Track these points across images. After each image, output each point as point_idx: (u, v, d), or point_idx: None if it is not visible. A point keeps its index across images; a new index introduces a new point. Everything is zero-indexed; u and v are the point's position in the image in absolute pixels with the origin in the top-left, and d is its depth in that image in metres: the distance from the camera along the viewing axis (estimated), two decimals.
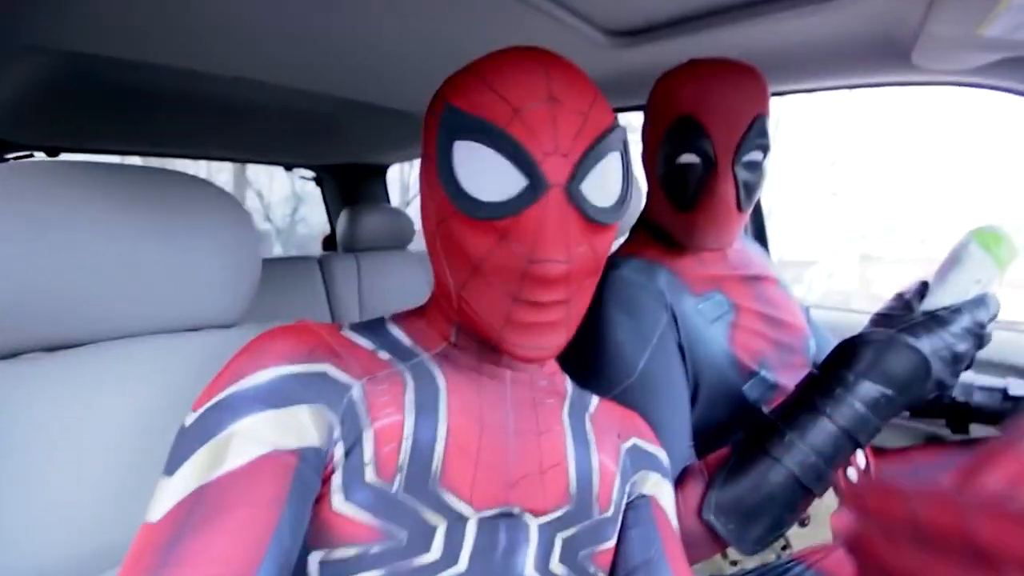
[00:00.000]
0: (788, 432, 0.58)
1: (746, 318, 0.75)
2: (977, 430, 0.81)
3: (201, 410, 0.38)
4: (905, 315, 0.61)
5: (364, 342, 0.47)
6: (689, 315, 0.72)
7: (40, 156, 1.39)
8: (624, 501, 0.53)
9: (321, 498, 0.39)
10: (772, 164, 0.73)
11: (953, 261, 0.60)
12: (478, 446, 0.45)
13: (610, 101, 1.46)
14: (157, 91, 1.29)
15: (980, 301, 0.59)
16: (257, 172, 6.06)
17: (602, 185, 0.42)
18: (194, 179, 0.57)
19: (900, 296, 0.65)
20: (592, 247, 0.42)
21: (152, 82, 1.24)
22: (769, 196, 0.82)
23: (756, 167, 0.70)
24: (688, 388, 0.72)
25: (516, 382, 0.50)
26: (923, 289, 0.63)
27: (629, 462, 0.55)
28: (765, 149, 0.70)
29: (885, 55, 0.89)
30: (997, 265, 0.59)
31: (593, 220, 0.41)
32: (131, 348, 0.52)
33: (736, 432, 0.67)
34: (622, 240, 0.89)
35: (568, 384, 0.57)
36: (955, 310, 0.59)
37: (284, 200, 6.86)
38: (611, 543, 0.50)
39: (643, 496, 0.54)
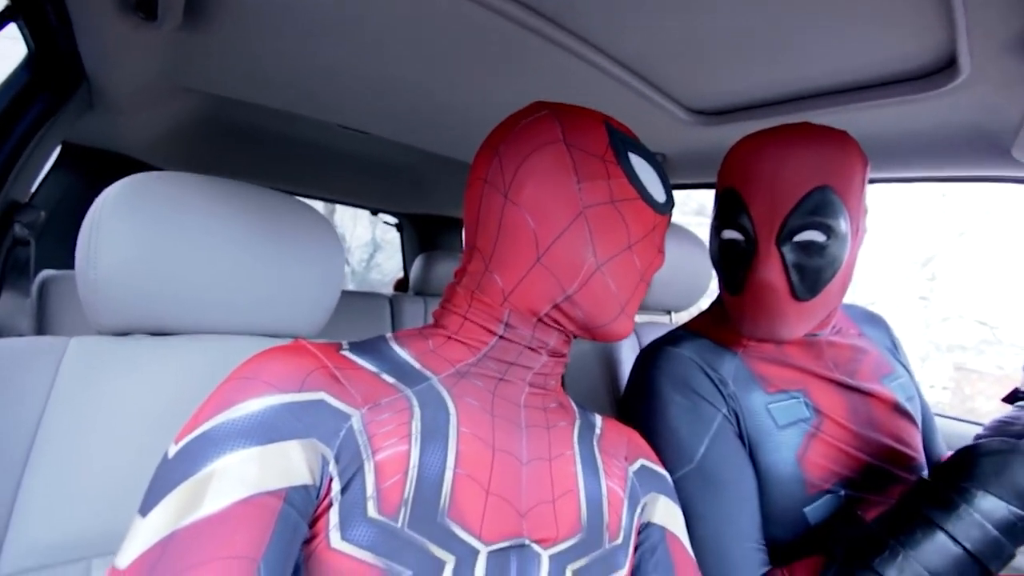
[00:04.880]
0: (899, 548, 0.48)
1: (831, 430, 0.63)
2: None
3: (183, 442, 0.36)
4: None
5: (367, 364, 0.45)
6: (756, 413, 0.64)
7: None
8: (634, 525, 0.51)
9: (316, 536, 0.37)
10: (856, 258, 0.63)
11: None
12: (489, 474, 0.43)
13: (689, 176, 1.50)
14: (276, 133, 1.47)
15: None
16: (343, 216, 6.51)
17: None
18: (297, 202, 0.63)
19: (1018, 394, 0.55)
20: None
21: (274, 125, 1.42)
22: (849, 295, 0.72)
23: (813, 249, 0.59)
24: (755, 483, 0.63)
25: (529, 405, 0.50)
26: None
27: (638, 484, 0.54)
28: (827, 229, 0.59)
29: (984, 148, 0.86)
30: None
31: None
32: (220, 343, 0.57)
33: (795, 553, 0.60)
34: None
35: (575, 406, 0.57)
36: None
37: (363, 246, 7.29)
38: (622, 572, 0.48)
39: (655, 526, 0.53)
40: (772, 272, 0.60)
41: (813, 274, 0.60)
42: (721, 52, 0.79)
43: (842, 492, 0.62)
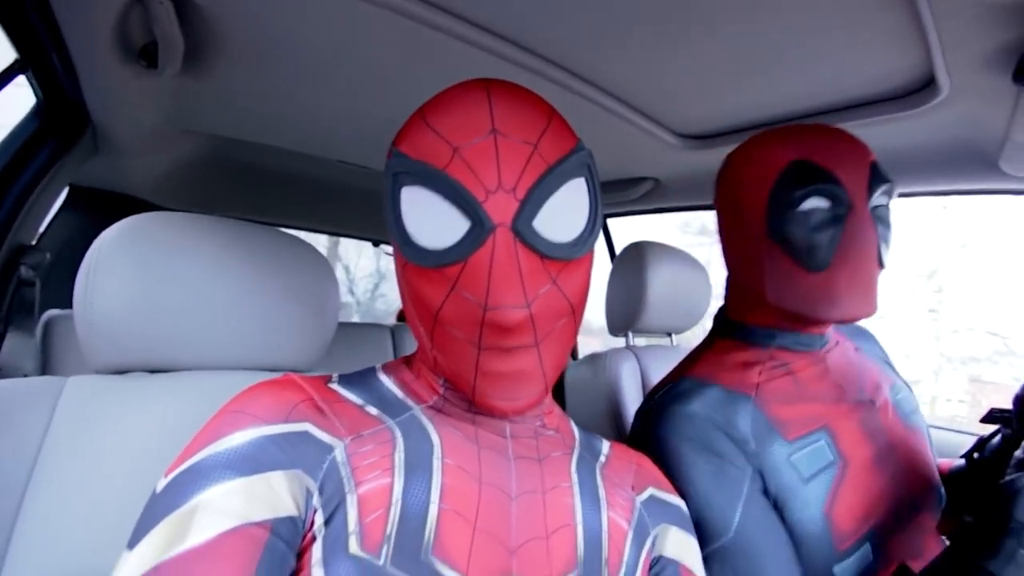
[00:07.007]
0: None
1: (856, 471, 0.60)
2: None
3: (171, 476, 0.36)
4: None
5: (352, 396, 0.44)
6: (779, 470, 0.59)
7: None
8: (641, 560, 0.47)
9: (300, 572, 0.36)
10: None
11: None
12: (476, 509, 0.40)
13: (682, 199, 1.50)
14: (276, 169, 1.50)
15: None
16: (347, 248, 6.56)
17: (560, 217, 0.40)
18: (292, 238, 0.65)
19: (993, 414, 0.54)
20: (559, 286, 0.40)
21: (274, 162, 1.45)
22: None
23: (886, 214, 0.61)
24: (791, 547, 0.58)
25: (517, 435, 0.46)
26: None
27: (647, 515, 0.50)
28: (891, 194, 0.61)
29: (972, 162, 0.87)
30: None
31: (552, 257, 0.39)
32: (217, 379, 0.58)
33: None
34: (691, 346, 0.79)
35: (576, 432, 0.53)
36: None
37: (368, 276, 7.32)
38: None
39: (667, 560, 0.49)
40: (870, 238, 0.57)
41: (889, 239, 0.60)
42: (707, 78, 0.81)
43: (870, 548, 0.58)
